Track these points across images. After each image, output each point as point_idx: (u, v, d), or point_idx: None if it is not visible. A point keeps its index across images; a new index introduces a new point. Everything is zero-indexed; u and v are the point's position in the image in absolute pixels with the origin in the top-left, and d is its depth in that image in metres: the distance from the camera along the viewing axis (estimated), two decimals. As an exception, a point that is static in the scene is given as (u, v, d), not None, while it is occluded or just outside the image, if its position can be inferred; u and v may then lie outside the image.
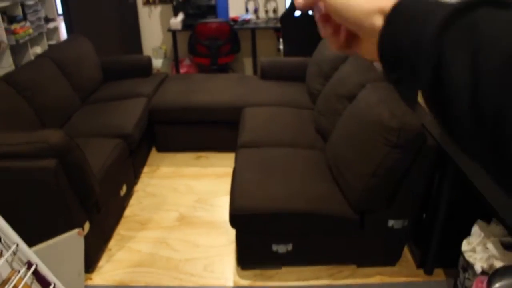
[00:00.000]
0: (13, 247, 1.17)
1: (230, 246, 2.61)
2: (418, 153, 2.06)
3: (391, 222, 2.27)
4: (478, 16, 0.36)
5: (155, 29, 5.46)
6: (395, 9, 0.43)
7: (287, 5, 4.71)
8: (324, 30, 0.55)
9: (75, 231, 1.85)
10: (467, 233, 2.02)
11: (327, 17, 0.52)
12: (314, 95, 3.33)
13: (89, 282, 2.37)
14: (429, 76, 0.38)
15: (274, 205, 2.22)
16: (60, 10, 5.40)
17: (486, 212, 2.03)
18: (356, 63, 2.91)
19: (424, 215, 2.34)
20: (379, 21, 0.44)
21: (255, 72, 5.20)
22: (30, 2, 4.34)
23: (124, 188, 2.92)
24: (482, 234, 1.87)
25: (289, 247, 2.32)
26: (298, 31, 4.54)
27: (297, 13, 4.49)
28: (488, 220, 1.94)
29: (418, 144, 2.04)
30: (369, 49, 0.48)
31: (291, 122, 3.13)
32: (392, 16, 0.43)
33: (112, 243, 2.66)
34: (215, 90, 3.69)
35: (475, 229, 1.93)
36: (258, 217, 2.22)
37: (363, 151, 2.16)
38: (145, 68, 4.13)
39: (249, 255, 2.41)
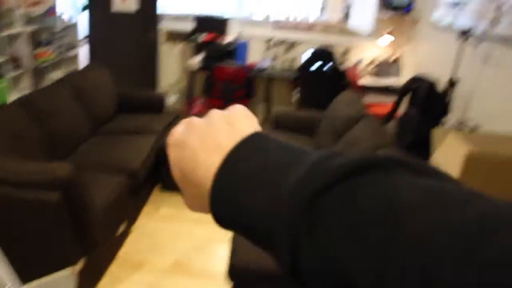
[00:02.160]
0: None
1: (224, 299, 2.54)
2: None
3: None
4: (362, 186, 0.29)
5: (173, 65, 5.54)
6: (239, 146, 0.36)
7: (305, 57, 4.77)
8: None
9: (68, 271, 1.80)
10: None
11: None
12: (324, 152, 3.31)
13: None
14: (288, 262, 0.32)
15: (274, 266, 2.16)
16: (82, 36, 5.50)
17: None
18: (370, 125, 2.91)
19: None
20: (215, 160, 0.37)
21: (267, 119, 5.22)
22: (57, 29, 4.43)
23: (123, 226, 2.88)
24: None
25: (285, 309, 2.24)
26: (313, 85, 4.58)
27: (315, 66, 4.54)
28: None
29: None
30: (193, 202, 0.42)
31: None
32: (233, 156, 0.36)
33: (103, 283, 2.59)
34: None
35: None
36: (257, 273, 2.16)
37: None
38: (158, 104, 4.16)
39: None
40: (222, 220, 0.37)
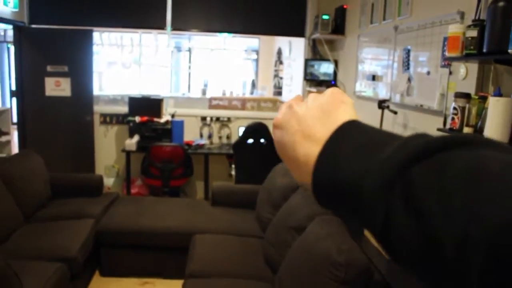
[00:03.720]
0: None
1: None
2: (365, 289, 2.09)
3: None
4: (445, 159, 0.34)
5: (110, 147, 5.52)
6: (335, 136, 0.41)
7: (240, 132, 4.95)
8: None
9: None
10: None
11: None
12: (264, 223, 3.38)
13: None
14: (379, 225, 0.36)
15: None
16: (15, 120, 5.39)
17: None
18: (306, 194, 3.03)
19: None
20: (313, 149, 0.42)
21: (206, 195, 5.25)
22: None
23: (61, 317, 2.73)
24: None
25: None
26: (250, 159, 4.72)
27: (250, 140, 4.71)
28: None
29: (365, 279, 2.07)
30: (299, 173, 0.46)
31: (241, 251, 3.13)
32: (330, 145, 0.41)
33: None
34: (165, 215, 3.68)
35: None
36: None
37: (311, 286, 2.17)
38: (96, 187, 4.10)
39: None
40: (321, 192, 0.41)
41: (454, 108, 2.35)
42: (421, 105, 3.12)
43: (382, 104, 3.56)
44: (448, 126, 2.45)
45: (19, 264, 2.71)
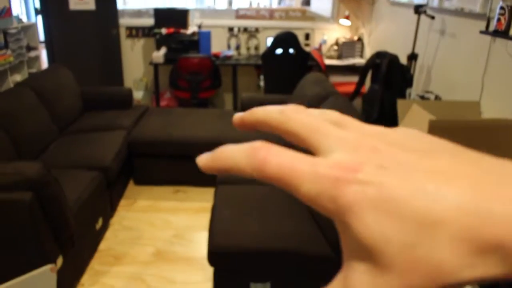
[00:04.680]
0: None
1: (207, 283, 2.57)
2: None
3: (369, 262, 2.27)
4: None
5: (137, 61, 5.49)
6: None
7: (269, 43, 4.81)
8: None
9: (48, 267, 1.80)
10: None
11: None
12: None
13: (60, 320, 2.29)
14: None
15: (252, 244, 2.21)
16: (42, 38, 5.39)
17: None
18: (337, 102, 2.98)
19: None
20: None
21: (235, 107, 5.24)
22: (13, 30, 4.34)
23: (100, 221, 2.87)
24: None
25: (267, 286, 2.29)
26: (279, 69, 4.63)
27: (279, 51, 4.59)
28: None
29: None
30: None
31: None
32: None
33: (85, 278, 2.59)
34: (195, 125, 3.71)
35: None
36: (236, 256, 2.20)
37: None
38: (126, 100, 4.13)
39: (226, 294, 2.37)
40: None
41: (501, 8, 2.19)
42: (462, 9, 2.93)
43: (419, 9, 3.36)
44: (492, 28, 2.30)
45: (58, 173, 2.81)
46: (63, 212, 2.26)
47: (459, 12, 3.01)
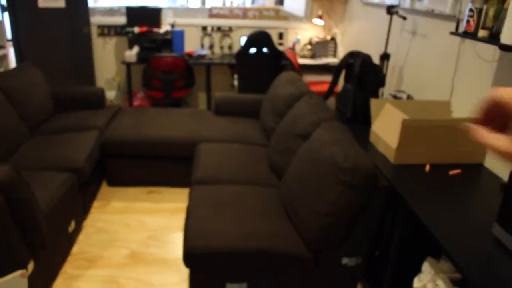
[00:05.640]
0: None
1: (183, 284, 2.55)
2: (371, 192, 2.12)
3: (344, 260, 2.30)
4: None
5: (109, 60, 5.41)
6: None
7: (243, 42, 4.80)
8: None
9: (18, 273, 1.76)
10: (418, 270, 2.07)
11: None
12: (268, 132, 3.37)
13: (31, 326, 2.23)
14: None
15: (228, 244, 2.20)
16: (9, 36, 5.24)
17: (435, 249, 2.10)
18: (310, 101, 2.99)
19: (376, 253, 2.39)
20: None
21: (209, 107, 5.22)
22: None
23: (73, 224, 2.81)
24: (432, 271, 1.93)
25: (244, 286, 2.29)
26: (253, 68, 4.63)
27: (252, 50, 4.58)
28: (437, 257, 2.01)
29: (371, 183, 2.09)
30: None
31: (245, 159, 3.15)
32: None
33: (58, 283, 2.53)
34: (169, 125, 3.67)
35: (426, 266, 1.99)
36: (212, 256, 2.19)
37: (317, 191, 2.20)
38: (98, 100, 4.06)
39: (202, 295, 2.36)
40: None
41: (470, 10, 2.24)
42: (433, 10, 2.99)
43: (391, 10, 3.41)
44: (462, 29, 2.35)
45: (28, 175, 2.75)
46: (34, 216, 2.20)
47: (430, 13, 3.07)
